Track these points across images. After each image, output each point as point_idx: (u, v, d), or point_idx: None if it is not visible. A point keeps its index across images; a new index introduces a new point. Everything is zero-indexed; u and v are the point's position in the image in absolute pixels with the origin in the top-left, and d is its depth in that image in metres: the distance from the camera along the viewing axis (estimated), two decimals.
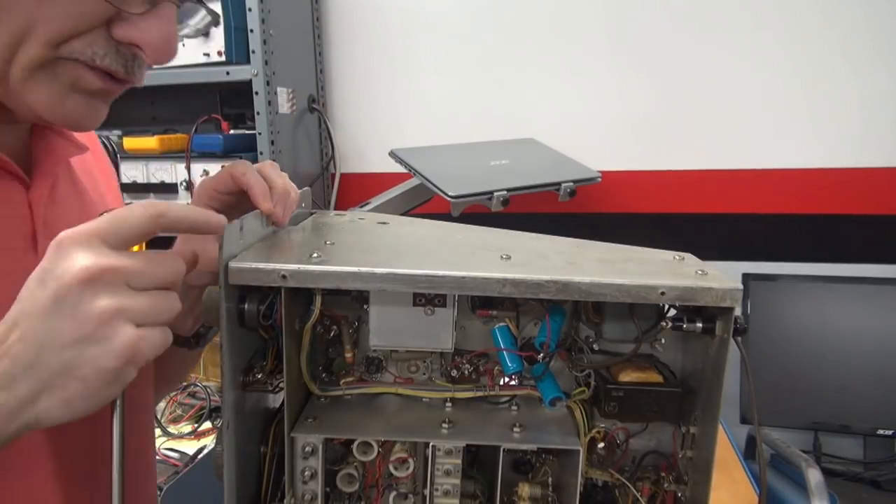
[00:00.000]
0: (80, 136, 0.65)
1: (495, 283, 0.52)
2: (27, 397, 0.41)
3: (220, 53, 1.47)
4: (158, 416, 1.50)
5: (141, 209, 0.45)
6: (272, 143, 1.50)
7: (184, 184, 1.56)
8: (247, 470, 0.59)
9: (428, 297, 0.62)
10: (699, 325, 0.56)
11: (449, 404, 0.66)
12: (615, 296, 0.52)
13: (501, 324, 0.65)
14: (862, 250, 1.60)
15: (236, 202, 0.66)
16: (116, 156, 1.21)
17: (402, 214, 1.39)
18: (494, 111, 1.72)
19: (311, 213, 0.78)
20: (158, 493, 1.22)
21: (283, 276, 0.51)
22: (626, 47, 1.63)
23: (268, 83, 1.47)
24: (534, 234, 0.70)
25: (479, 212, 1.33)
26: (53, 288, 0.41)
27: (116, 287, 0.43)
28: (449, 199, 1.30)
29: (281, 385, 0.60)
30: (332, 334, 0.66)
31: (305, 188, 0.77)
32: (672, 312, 0.59)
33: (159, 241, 0.50)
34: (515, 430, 0.61)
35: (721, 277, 0.54)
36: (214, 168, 1.53)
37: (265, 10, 1.44)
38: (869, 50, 1.53)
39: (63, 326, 0.41)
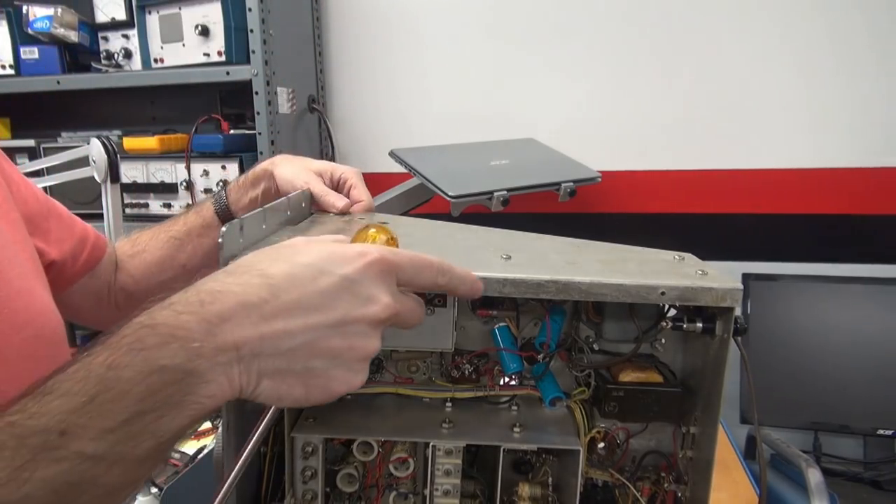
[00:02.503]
0: None
1: (495, 283, 0.52)
2: (248, 378, 0.39)
3: (220, 53, 1.47)
4: None
5: (437, 266, 0.47)
6: (272, 143, 1.50)
7: (184, 184, 1.56)
8: (247, 470, 0.59)
9: (428, 297, 0.62)
10: (699, 325, 0.56)
11: (449, 404, 0.66)
12: (615, 296, 0.52)
13: (501, 324, 0.65)
14: (862, 250, 1.60)
15: None
16: (116, 156, 1.21)
17: (402, 214, 1.39)
18: (494, 111, 1.72)
19: (311, 214, 0.78)
20: (159, 493, 1.23)
21: None
22: (626, 48, 1.63)
23: (268, 83, 1.47)
24: (534, 234, 0.70)
25: (479, 212, 1.33)
26: (346, 308, 0.41)
27: (384, 330, 0.44)
28: (449, 199, 1.30)
29: None
30: None
31: (306, 189, 0.77)
32: (672, 312, 0.59)
33: None
34: (515, 430, 0.61)
35: (721, 277, 0.54)
36: (214, 168, 1.53)
37: (265, 10, 1.44)
38: (869, 50, 1.52)
39: (332, 342, 0.41)
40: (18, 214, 0.68)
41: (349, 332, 0.41)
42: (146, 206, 1.60)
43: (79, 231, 0.78)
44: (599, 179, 1.46)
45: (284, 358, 0.39)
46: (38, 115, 1.83)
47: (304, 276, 0.40)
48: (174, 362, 0.35)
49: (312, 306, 0.40)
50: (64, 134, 1.79)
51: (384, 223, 0.76)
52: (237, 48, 1.46)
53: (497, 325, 0.65)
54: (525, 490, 0.64)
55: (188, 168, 1.54)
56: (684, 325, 0.57)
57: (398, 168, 1.45)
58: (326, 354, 0.41)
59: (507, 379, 0.67)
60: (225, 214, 0.80)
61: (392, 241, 0.51)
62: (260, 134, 1.50)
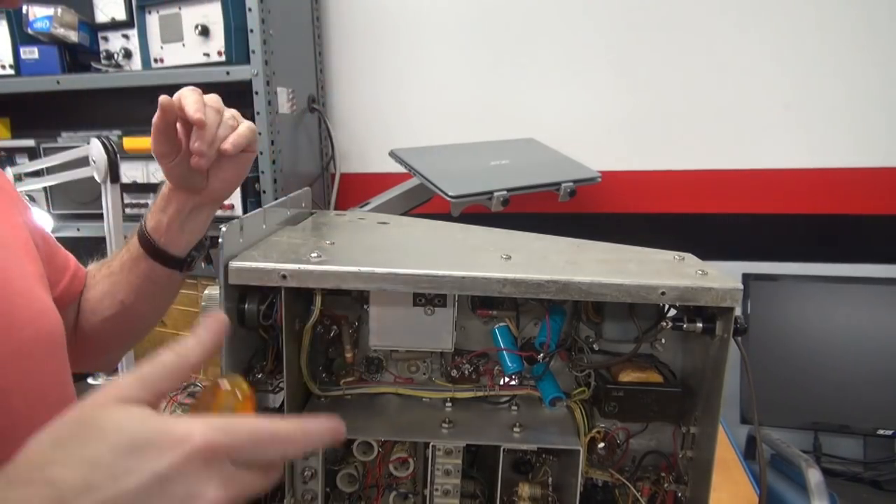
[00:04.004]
0: None
1: (495, 283, 0.52)
2: None
3: (220, 53, 1.47)
4: None
5: (289, 437, 0.38)
6: (272, 142, 1.50)
7: None
8: None
9: (428, 297, 0.62)
10: (699, 325, 0.56)
11: (449, 404, 0.66)
12: (615, 296, 0.52)
13: (501, 324, 0.65)
14: (862, 250, 1.60)
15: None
16: (116, 156, 1.21)
17: (402, 214, 1.39)
18: (494, 111, 1.72)
19: (311, 213, 0.78)
20: None
21: (284, 276, 0.51)
22: (625, 48, 1.63)
23: (268, 83, 1.47)
24: (534, 234, 0.70)
25: (479, 212, 1.33)
26: (154, 466, 0.33)
27: (223, 468, 0.35)
28: (449, 199, 1.29)
29: (281, 385, 0.60)
30: (332, 334, 0.66)
31: (305, 188, 0.77)
32: (672, 312, 0.59)
33: None
34: (515, 430, 0.61)
35: (721, 277, 0.54)
36: None
37: (265, 10, 1.44)
38: (868, 49, 1.53)
39: None
40: (23, 220, 0.69)
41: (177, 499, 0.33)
42: (146, 206, 1.59)
43: (60, 260, 0.76)
44: (599, 179, 1.46)
45: None
46: (38, 115, 1.83)
47: (102, 476, 0.32)
48: None
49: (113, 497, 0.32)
50: (64, 134, 1.79)
51: (384, 222, 0.75)
52: (237, 48, 1.46)
53: (497, 325, 0.65)
54: (525, 490, 0.64)
55: None
56: (684, 325, 0.57)
57: (398, 168, 1.44)
58: None
59: (507, 379, 0.67)
60: (147, 244, 0.73)
61: (244, 403, 0.42)
62: (260, 134, 1.50)
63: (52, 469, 0.33)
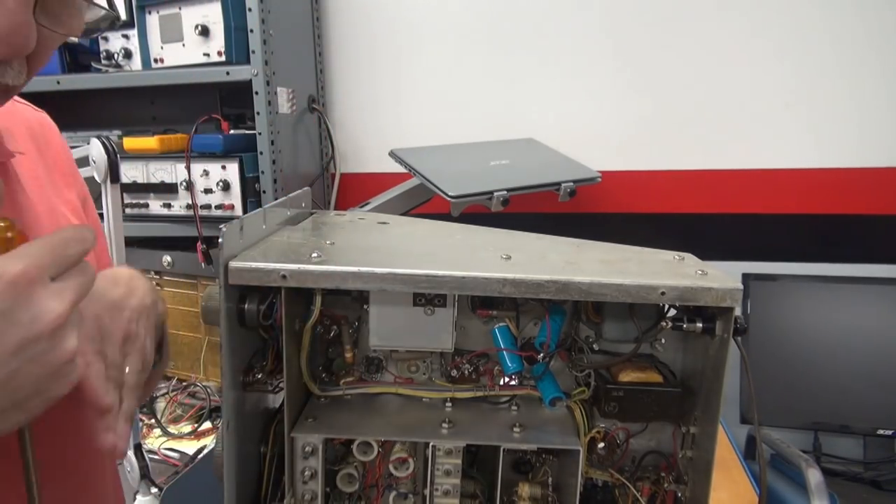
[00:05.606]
0: (16, 142, 0.64)
1: (495, 283, 0.52)
2: None
3: (220, 53, 1.47)
4: (158, 416, 1.51)
5: (73, 236, 0.42)
6: (272, 143, 1.50)
7: (183, 184, 1.56)
8: (247, 470, 0.59)
9: (428, 297, 0.62)
10: (699, 325, 0.56)
11: (449, 404, 0.66)
12: (615, 296, 0.52)
13: (501, 324, 0.65)
14: (862, 250, 1.60)
15: None
16: (116, 155, 1.21)
17: (402, 214, 1.39)
18: (494, 111, 1.72)
19: (311, 213, 0.78)
20: (159, 493, 1.23)
21: (284, 276, 0.51)
22: (625, 48, 1.63)
23: (268, 83, 1.47)
24: (534, 234, 0.70)
25: (479, 212, 1.33)
26: (15, 338, 0.38)
27: (48, 286, 0.40)
28: (449, 199, 1.29)
29: (281, 385, 0.60)
30: (332, 334, 0.66)
31: (305, 188, 0.77)
32: (672, 312, 0.59)
33: None
34: (515, 430, 0.61)
35: (721, 277, 0.54)
36: (214, 168, 1.53)
37: (265, 10, 1.44)
38: (868, 50, 1.52)
39: (23, 373, 0.38)
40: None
41: (35, 356, 0.38)
42: (146, 206, 1.60)
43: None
44: (599, 179, 1.46)
45: None
46: None
47: None
48: None
49: None
50: (64, 134, 1.79)
51: (384, 222, 0.75)
52: (237, 48, 1.46)
53: (497, 325, 0.65)
54: (525, 490, 0.64)
55: (188, 168, 1.54)
56: (684, 325, 0.57)
57: (398, 168, 1.45)
58: (25, 384, 0.38)
59: (506, 379, 0.67)
60: None
61: (18, 237, 0.43)
62: (260, 134, 1.50)
63: None
